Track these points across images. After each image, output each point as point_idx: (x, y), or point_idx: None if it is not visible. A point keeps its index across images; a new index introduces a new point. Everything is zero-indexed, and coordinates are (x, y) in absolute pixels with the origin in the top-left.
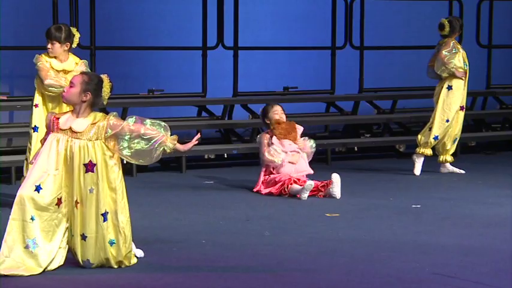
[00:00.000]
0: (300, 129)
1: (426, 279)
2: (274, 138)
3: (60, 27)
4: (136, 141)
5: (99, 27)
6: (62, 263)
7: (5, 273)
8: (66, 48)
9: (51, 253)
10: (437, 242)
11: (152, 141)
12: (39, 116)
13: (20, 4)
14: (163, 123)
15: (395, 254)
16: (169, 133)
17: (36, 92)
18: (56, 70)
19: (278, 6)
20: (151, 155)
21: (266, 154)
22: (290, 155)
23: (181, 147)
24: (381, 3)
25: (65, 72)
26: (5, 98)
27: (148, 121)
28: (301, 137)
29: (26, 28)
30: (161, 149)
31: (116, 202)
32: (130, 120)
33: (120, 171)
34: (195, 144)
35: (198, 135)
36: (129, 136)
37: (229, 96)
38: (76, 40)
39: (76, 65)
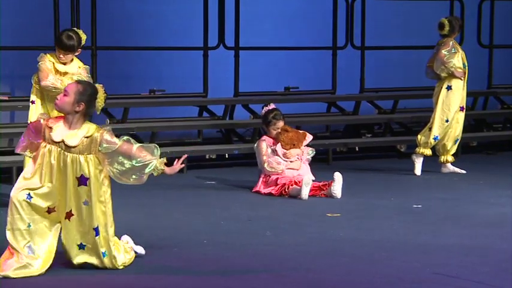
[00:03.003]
0: (309, 138)
1: (427, 279)
2: (278, 145)
3: (71, 36)
4: (127, 161)
5: (101, 28)
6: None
7: (15, 276)
8: (76, 54)
9: (50, 253)
10: (438, 242)
11: (142, 164)
12: (35, 113)
13: (20, 4)
14: (153, 145)
15: (396, 254)
16: (159, 155)
17: (33, 88)
18: (59, 72)
19: (279, 6)
20: (139, 178)
21: (266, 166)
22: (289, 163)
23: (168, 171)
24: (382, 3)
25: (65, 74)
26: (6, 98)
27: (139, 144)
28: (308, 145)
29: (27, 28)
30: (150, 172)
31: (105, 215)
32: (123, 140)
33: (110, 186)
34: (181, 167)
35: (185, 156)
36: (121, 156)
37: (230, 97)
38: (83, 42)
39: (79, 69)
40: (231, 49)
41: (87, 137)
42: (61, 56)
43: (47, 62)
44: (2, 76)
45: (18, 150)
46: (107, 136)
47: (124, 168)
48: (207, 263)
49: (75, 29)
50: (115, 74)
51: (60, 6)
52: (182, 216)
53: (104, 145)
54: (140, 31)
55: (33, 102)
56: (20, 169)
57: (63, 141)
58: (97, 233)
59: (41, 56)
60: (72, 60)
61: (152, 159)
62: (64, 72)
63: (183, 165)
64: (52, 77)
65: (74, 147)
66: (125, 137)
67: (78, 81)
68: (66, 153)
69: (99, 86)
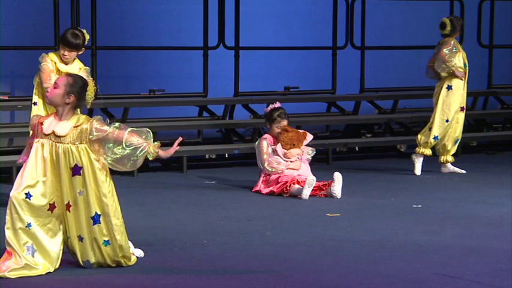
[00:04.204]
0: (309, 138)
1: (427, 279)
2: (279, 145)
3: (76, 34)
4: (119, 147)
5: (101, 27)
6: (58, 265)
7: (13, 277)
8: (80, 53)
9: (53, 256)
10: (438, 241)
11: (133, 147)
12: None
13: (21, 4)
14: (145, 129)
15: (396, 254)
16: (152, 140)
17: (35, 90)
18: (60, 72)
19: (279, 6)
20: (134, 162)
21: (266, 166)
22: (290, 163)
23: (163, 154)
24: (382, 3)
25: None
26: (6, 98)
27: (131, 129)
28: (308, 145)
29: (27, 28)
30: (144, 156)
31: (107, 205)
32: (114, 127)
33: (108, 175)
34: (176, 150)
35: (180, 139)
36: (112, 143)
37: (230, 96)
38: (86, 42)
39: (79, 70)
40: (231, 49)
41: (76, 127)
42: (65, 53)
43: (49, 62)
44: (2, 76)
45: (21, 160)
46: (97, 124)
47: (118, 156)
48: (207, 263)
49: (79, 28)
50: (115, 74)
51: (60, 6)
52: (182, 216)
53: (95, 133)
54: (140, 31)
55: (35, 103)
56: (20, 169)
57: (53, 132)
58: (95, 221)
59: (42, 56)
60: (74, 60)
61: (144, 142)
62: (65, 72)
63: (178, 147)
64: (54, 79)
65: (64, 136)
66: (116, 124)
67: (69, 74)
68: (57, 144)
69: (89, 80)
